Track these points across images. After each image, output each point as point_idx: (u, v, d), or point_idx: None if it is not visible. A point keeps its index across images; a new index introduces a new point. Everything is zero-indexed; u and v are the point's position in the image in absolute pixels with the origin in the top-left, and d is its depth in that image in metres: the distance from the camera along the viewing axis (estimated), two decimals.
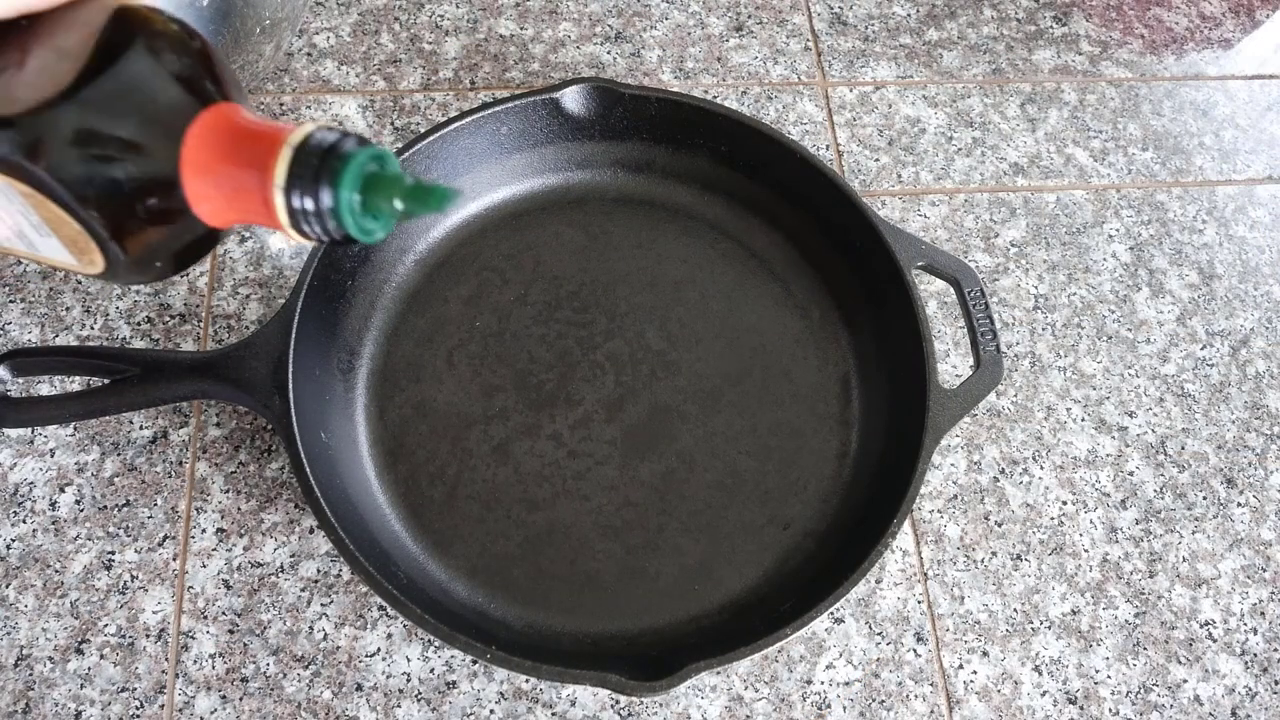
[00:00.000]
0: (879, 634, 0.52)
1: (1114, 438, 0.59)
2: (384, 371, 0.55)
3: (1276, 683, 0.53)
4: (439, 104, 0.65)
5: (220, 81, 0.28)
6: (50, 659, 0.48)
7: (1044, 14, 0.75)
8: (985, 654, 0.52)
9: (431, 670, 0.49)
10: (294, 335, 0.48)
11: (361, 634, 0.50)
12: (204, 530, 0.52)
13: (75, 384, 0.54)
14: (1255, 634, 0.54)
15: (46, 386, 0.55)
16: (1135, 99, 0.72)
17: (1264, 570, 0.56)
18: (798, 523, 0.53)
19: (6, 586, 0.50)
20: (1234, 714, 0.52)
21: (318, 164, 0.26)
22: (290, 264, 0.59)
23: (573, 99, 0.57)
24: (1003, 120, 0.70)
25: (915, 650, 0.52)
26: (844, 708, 0.50)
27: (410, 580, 0.49)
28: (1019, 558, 0.55)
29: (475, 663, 0.50)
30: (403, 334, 0.56)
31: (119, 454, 0.53)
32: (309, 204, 0.26)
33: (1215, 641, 0.54)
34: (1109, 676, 0.52)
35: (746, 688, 0.50)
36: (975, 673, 0.52)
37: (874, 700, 0.51)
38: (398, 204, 0.27)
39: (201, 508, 0.52)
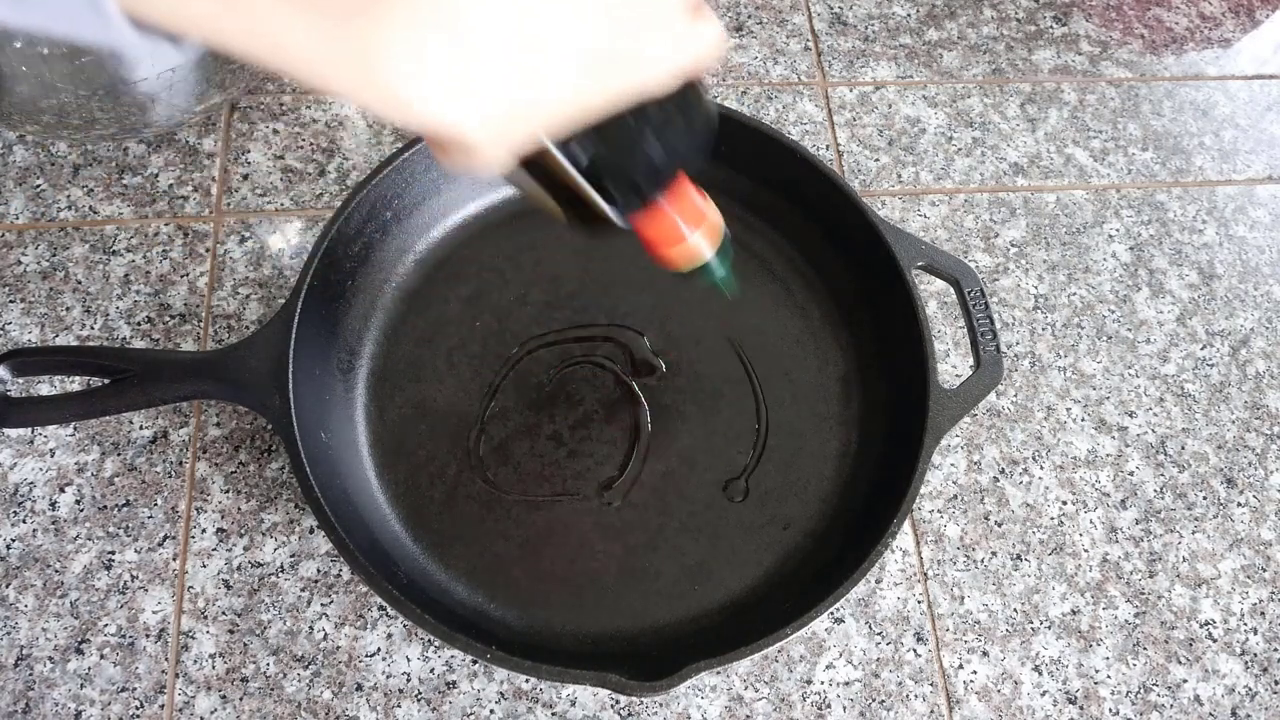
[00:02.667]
0: (879, 634, 0.52)
1: (1114, 438, 0.59)
2: (384, 371, 0.55)
3: (1276, 683, 0.53)
4: None
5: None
6: (50, 659, 0.48)
7: (1044, 14, 0.75)
8: (985, 654, 0.52)
9: (431, 670, 0.49)
10: (294, 335, 0.48)
11: (361, 634, 0.50)
12: (204, 530, 0.52)
13: (75, 384, 0.54)
14: (1255, 634, 0.54)
15: (46, 386, 0.55)
16: (1135, 99, 0.72)
17: (1264, 570, 0.56)
18: (798, 523, 0.53)
19: (6, 586, 0.50)
20: (1234, 714, 0.52)
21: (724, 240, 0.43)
22: (290, 264, 0.59)
23: None
24: (1003, 120, 0.70)
25: (915, 650, 0.52)
26: (844, 708, 0.50)
27: (410, 580, 0.49)
28: (1019, 558, 0.55)
29: (475, 663, 0.50)
30: (403, 334, 0.56)
31: (119, 454, 0.53)
32: (710, 258, 0.42)
33: (1215, 641, 0.54)
34: (1109, 676, 0.52)
35: (746, 688, 0.50)
36: (975, 673, 0.52)
37: (874, 700, 0.51)
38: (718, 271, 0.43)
39: (201, 508, 0.52)
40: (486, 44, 0.22)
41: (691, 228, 0.41)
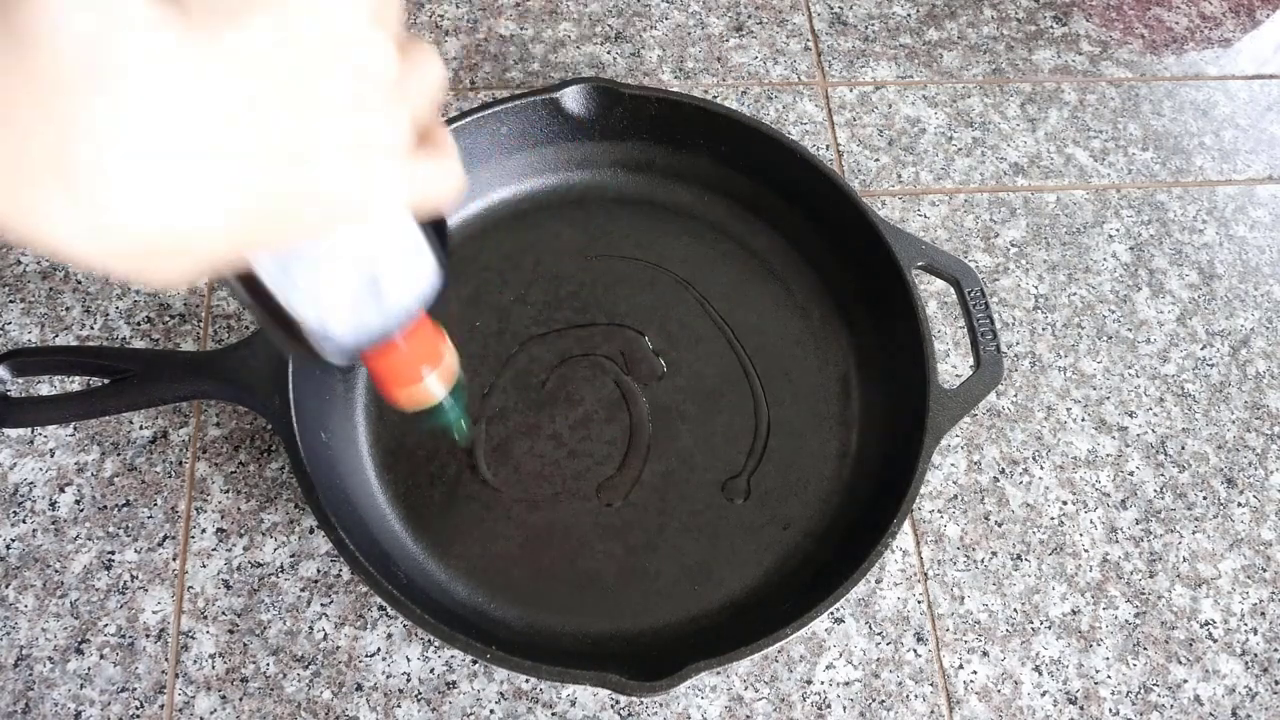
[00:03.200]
0: (879, 634, 0.52)
1: (1114, 438, 0.59)
2: None
3: (1276, 683, 0.53)
4: (439, 104, 0.65)
5: None
6: (50, 659, 0.48)
7: (1044, 14, 0.75)
8: (985, 654, 0.52)
9: (431, 670, 0.49)
10: None
11: (361, 634, 0.50)
12: (204, 530, 0.52)
13: (75, 384, 0.54)
14: (1255, 634, 0.54)
15: (46, 386, 0.55)
16: (1135, 99, 0.72)
17: (1264, 570, 0.56)
18: (798, 523, 0.53)
19: (6, 586, 0.50)
20: (1234, 714, 0.52)
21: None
22: None
23: (573, 99, 0.57)
24: (1003, 120, 0.70)
25: (915, 650, 0.52)
26: (844, 708, 0.50)
27: (410, 580, 0.49)
28: (1019, 558, 0.55)
29: (475, 663, 0.50)
30: None
31: (119, 454, 0.53)
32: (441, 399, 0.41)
33: (1215, 641, 0.54)
34: (1109, 676, 0.52)
35: (746, 688, 0.50)
36: (975, 673, 0.52)
37: (874, 700, 0.51)
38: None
39: (201, 508, 0.52)
40: (124, 168, 0.19)
41: (429, 367, 0.39)
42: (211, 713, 0.48)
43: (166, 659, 0.49)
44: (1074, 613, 0.54)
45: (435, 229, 0.32)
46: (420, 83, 0.26)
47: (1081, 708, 0.51)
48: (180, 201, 0.20)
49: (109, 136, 0.19)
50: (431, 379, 0.40)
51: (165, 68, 0.19)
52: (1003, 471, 0.57)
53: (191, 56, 0.19)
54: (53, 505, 0.52)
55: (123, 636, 0.49)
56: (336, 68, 0.23)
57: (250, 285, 0.29)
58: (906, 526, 0.55)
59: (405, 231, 0.32)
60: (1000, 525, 0.56)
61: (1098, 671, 0.52)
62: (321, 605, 0.50)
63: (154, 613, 0.50)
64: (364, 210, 0.26)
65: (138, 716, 0.47)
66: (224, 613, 0.50)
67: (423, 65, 0.26)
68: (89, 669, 0.48)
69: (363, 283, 0.31)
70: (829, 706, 0.50)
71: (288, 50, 0.21)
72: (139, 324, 0.57)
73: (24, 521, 0.51)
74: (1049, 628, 0.53)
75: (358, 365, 0.54)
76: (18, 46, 0.17)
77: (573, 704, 0.49)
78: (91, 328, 0.56)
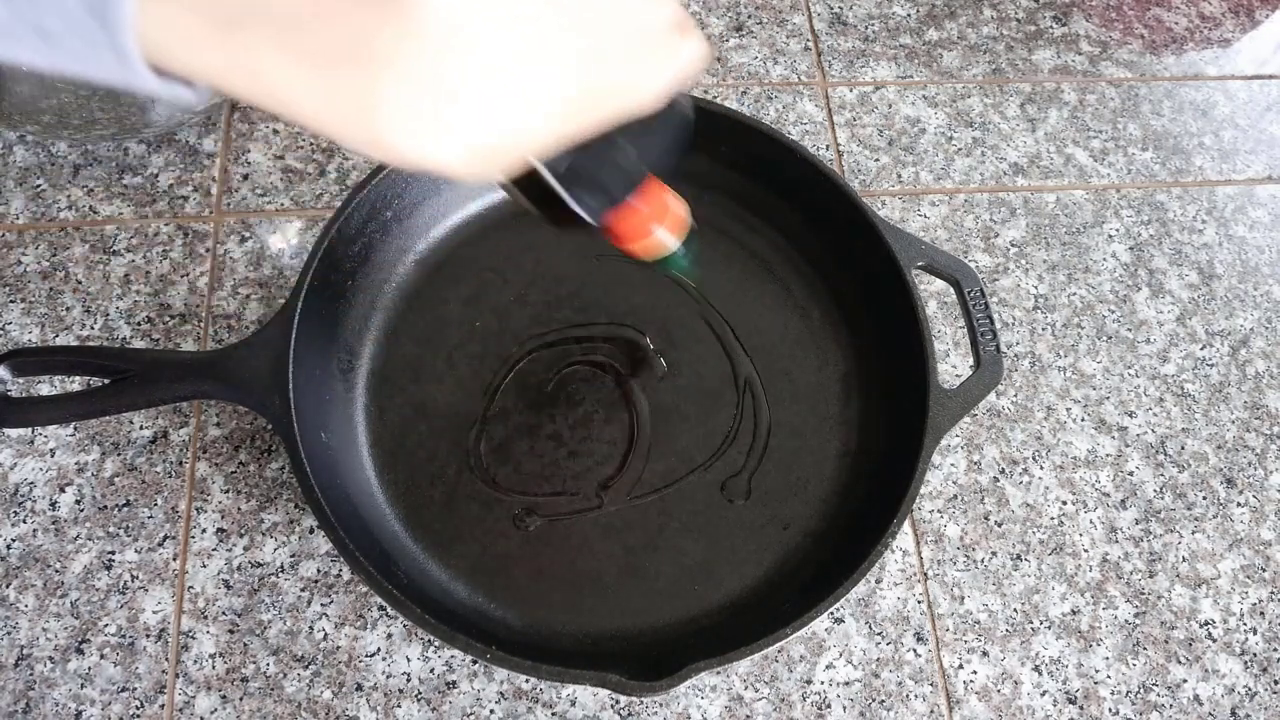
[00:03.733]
0: (879, 634, 0.52)
1: (1114, 438, 0.59)
2: (384, 371, 0.55)
3: (1276, 683, 0.53)
4: None
5: None
6: (50, 659, 0.48)
7: (1044, 14, 0.75)
8: (985, 654, 0.52)
9: (431, 670, 0.49)
10: (294, 335, 0.48)
11: (361, 634, 0.50)
12: (204, 530, 0.52)
13: (75, 384, 0.54)
14: (1255, 634, 0.54)
15: (46, 386, 0.55)
16: (1135, 99, 0.72)
17: (1264, 570, 0.56)
18: (798, 523, 0.53)
19: (6, 586, 0.50)
20: (1234, 714, 0.52)
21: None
22: (290, 264, 0.59)
23: None
24: (1003, 120, 0.70)
25: (915, 650, 0.52)
26: (844, 708, 0.50)
27: (410, 580, 0.49)
28: (1019, 558, 0.55)
29: (475, 663, 0.50)
30: (403, 334, 0.56)
31: (119, 454, 0.53)
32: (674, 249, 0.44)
33: (1215, 641, 0.54)
34: (1109, 676, 0.52)
35: (746, 688, 0.50)
36: (975, 673, 0.52)
37: (874, 700, 0.51)
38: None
39: (201, 508, 0.52)
40: (470, 92, 0.23)
41: (658, 223, 0.42)
42: (212, 713, 0.48)
43: (167, 659, 0.49)
44: (1074, 613, 0.54)
45: (676, 101, 0.35)
46: None
47: (1081, 707, 0.51)
48: (511, 115, 0.25)
49: (469, 76, 0.23)
50: (663, 232, 0.43)
51: (505, 13, 0.23)
52: (1003, 471, 0.57)
53: (521, 4, 0.24)
54: (53, 505, 0.52)
55: (123, 636, 0.49)
56: None
57: (521, 175, 0.34)
58: (906, 526, 0.55)
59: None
60: (1000, 525, 0.56)
61: (1097, 671, 0.52)
62: (321, 605, 0.50)
63: (154, 613, 0.50)
64: (650, 92, 0.29)
65: (138, 716, 0.47)
66: (224, 613, 0.50)
67: None
68: (89, 669, 0.48)
69: (614, 156, 0.35)
70: (829, 706, 0.50)
71: None
72: (139, 324, 0.57)
73: (24, 521, 0.51)
74: (1049, 628, 0.53)
75: (357, 362, 0.54)
76: (398, 11, 0.22)
77: (573, 704, 0.49)
78: (91, 328, 0.56)
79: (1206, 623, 0.54)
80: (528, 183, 0.35)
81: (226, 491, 0.53)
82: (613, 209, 0.38)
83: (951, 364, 0.60)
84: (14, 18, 0.20)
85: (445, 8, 0.22)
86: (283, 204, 0.61)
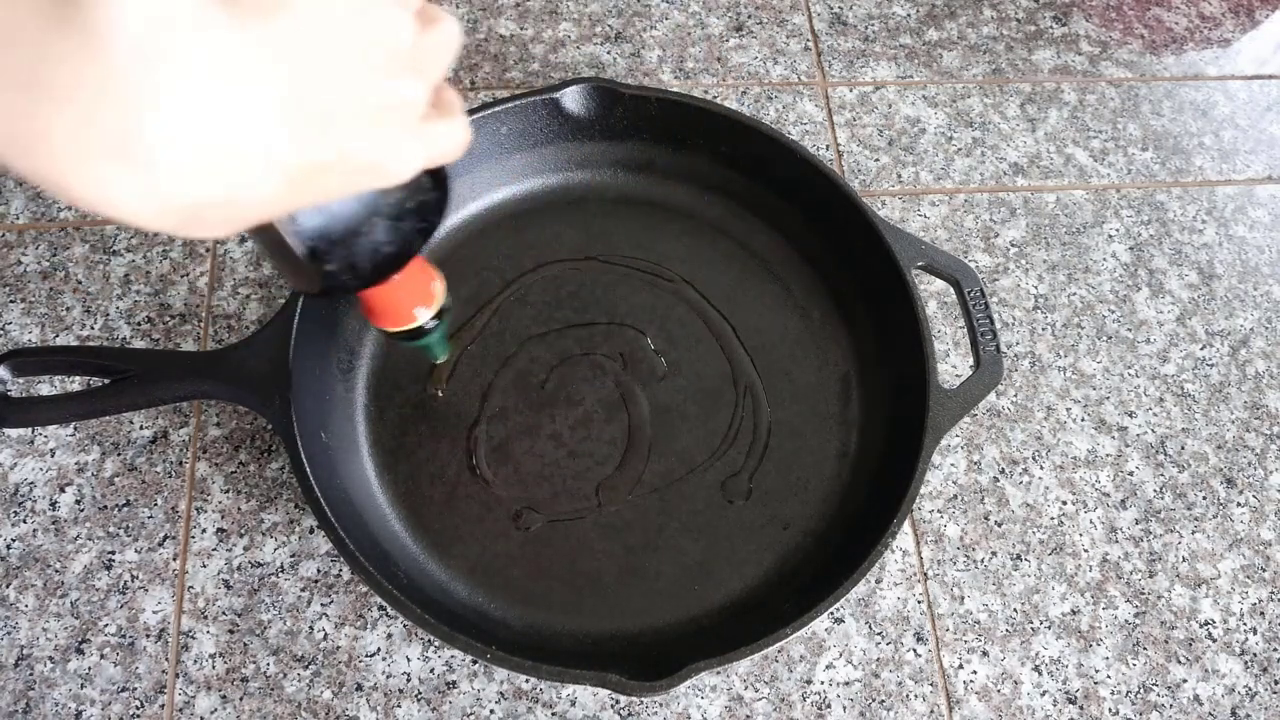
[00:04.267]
0: (879, 634, 0.52)
1: (1114, 438, 0.59)
2: (384, 371, 0.55)
3: (1276, 683, 0.53)
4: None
5: None
6: (50, 659, 0.48)
7: (1044, 14, 0.75)
8: (985, 654, 0.52)
9: (431, 670, 0.49)
10: (294, 335, 0.48)
11: (361, 634, 0.50)
12: (204, 530, 0.52)
13: (75, 384, 0.54)
14: (1255, 634, 0.54)
15: (46, 386, 0.55)
16: (1135, 99, 0.72)
17: (1264, 570, 0.56)
18: (798, 523, 0.53)
19: (6, 586, 0.50)
20: (1234, 714, 0.52)
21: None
22: None
23: (573, 99, 0.57)
24: (1003, 120, 0.70)
25: (915, 650, 0.52)
26: (844, 708, 0.50)
27: (410, 580, 0.49)
28: (1019, 558, 0.55)
29: (475, 663, 0.50)
30: None
31: (119, 454, 0.53)
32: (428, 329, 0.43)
33: (1215, 641, 0.54)
34: (1109, 676, 0.52)
35: (746, 688, 0.50)
36: (975, 673, 0.52)
37: (874, 700, 0.51)
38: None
39: (201, 508, 0.52)
40: (157, 141, 0.21)
41: (416, 304, 0.41)
42: (212, 713, 0.48)
43: (167, 659, 0.49)
44: (1074, 613, 0.54)
45: (434, 175, 0.34)
46: (436, 50, 0.28)
47: (1081, 707, 0.51)
48: (226, 169, 0.23)
49: (161, 116, 0.21)
50: (420, 311, 0.42)
51: (211, 55, 0.21)
52: (1003, 471, 0.57)
53: (235, 43, 0.22)
54: (53, 505, 0.52)
55: (123, 636, 0.49)
56: (364, 44, 0.25)
57: (267, 234, 0.31)
58: (906, 526, 0.55)
59: (411, 181, 0.33)
60: (1000, 525, 0.56)
61: (1097, 671, 0.52)
62: (321, 605, 0.50)
63: (154, 613, 0.50)
64: (388, 171, 0.28)
65: (138, 716, 0.47)
66: (224, 613, 0.50)
67: (439, 33, 0.28)
68: (89, 669, 0.48)
69: (370, 228, 0.33)
70: (829, 706, 0.50)
71: (321, 31, 0.24)
72: (139, 324, 0.57)
73: (24, 521, 0.51)
74: (1049, 628, 0.53)
75: (357, 362, 0.54)
76: (82, 36, 0.19)
77: (573, 704, 0.49)
78: (91, 328, 0.56)
79: (1207, 623, 0.54)
80: (269, 239, 0.32)
81: (226, 491, 0.53)
82: (366, 285, 0.36)
83: (951, 364, 0.60)
84: None
85: (136, 41, 0.20)
86: None
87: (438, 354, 0.48)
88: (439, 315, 0.43)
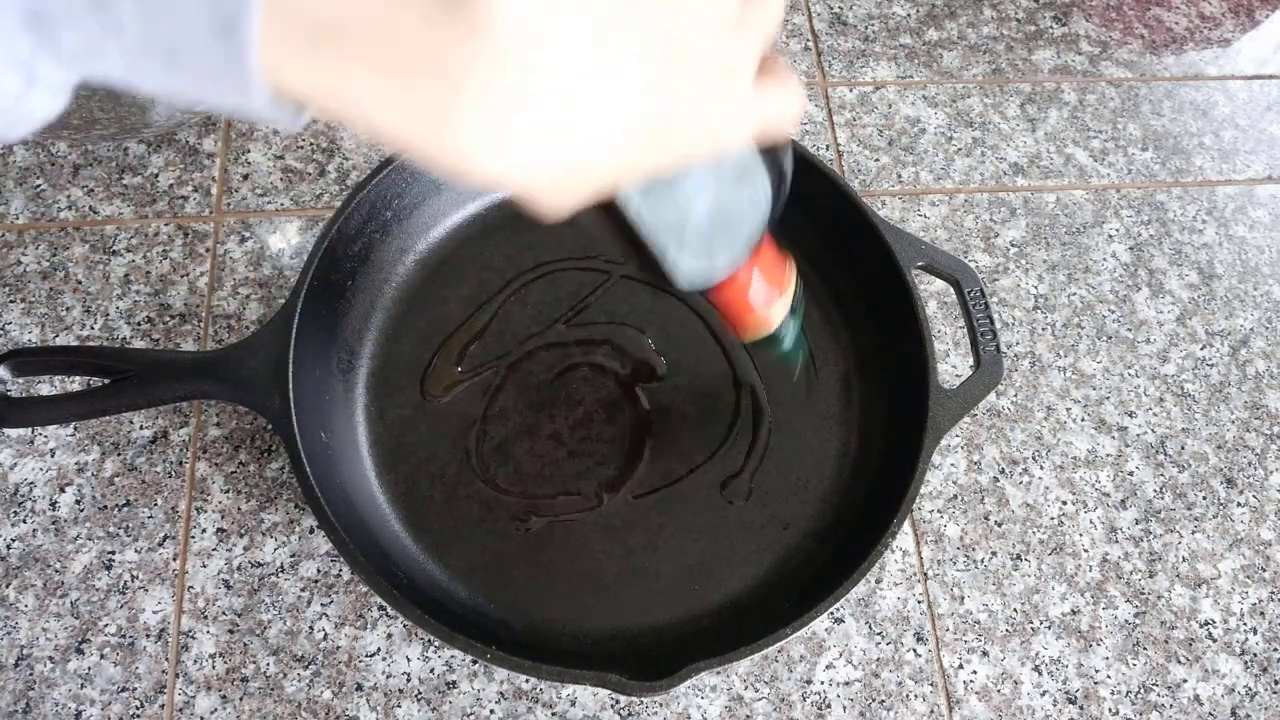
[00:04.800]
0: (879, 634, 0.52)
1: (1114, 438, 0.59)
2: (384, 371, 0.55)
3: (1276, 683, 0.53)
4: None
5: None
6: (50, 659, 0.48)
7: (1044, 14, 0.75)
8: (985, 654, 0.52)
9: (431, 670, 0.49)
10: (294, 335, 0.48)
11: (361, 634, 0.50)
12: (204, 530, 0.52)
13: (75, 384, 0.54)
14: (1255, 634, 0.54)
15: (46, 386, 0.55)
16: (1135, 99, 0.72)
17: (1264, 570, 0.56)
18: (798, 523, 0.53)
19: (6, 586, 0.50)
20: (1234, 714, 0.52)
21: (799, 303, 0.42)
22: (290, 264, 0.59)
23: None
24: (1003, 120, 0.70)
25: (915, 650, 0.52)
26: (844, 708, 0.50)
27: (410, 580, 0.49)
28: (1019, 558, 0.55)
29: (475, 663, 0.50)
30: (403, 334, 0.56)
31: (119, 454, 0.53)
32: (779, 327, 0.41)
33: (1215, 641, 0.54)
34: (1109, 676, 0.52)
35: (746, 688, 0.50)
36: (975, 673, 0.52)
37: (874, 700, 0.51)
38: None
39: (201, 508, 0.52)
40: (545, 115, 0.24)
41: (773, 296, 0.39)
42: (212, 712, 0.48)
43: (167, 659, 0.49)
44: (1074, 613, 0.54)
45: (773, 155, 0.34)
46: (763, 11, 0.29)
47: (1081, 707, 0.51)
48: (581, 139, 0.25)
49: (546, 91, 0.23)
50: (778, 306, 0.39)
51: (580, 32, 0.23)
52: (1003, 471, 0.57)
53: (596, 14, 0.23)
54: (53, 505, 0.52)
55: (123, 636, 0.49)
56: (702, 12, 0.26)
57: (614, 216, 0.32)
58: (906, 526, 0.55)
59: (748, 159, 0.33)
60: (1000, 525, 0.56)
61: (1097, 671, 0.52)
62: (321, 605, 0.50)
63: (154, 613, 0.50)
64: (727, 136, 0.29)
65: (138, 716, 0.47)
66: (224, 613, 0.50)
67: (763, 2, 0.29)
68: (89, 669, 0.48)
69: (712, 211, 0.33)
70: (829, 706, 0.50)
71: (666, 7, 0.25)
72: (139, 324, 0.57)
73: (24, 521, 0.51)
74: (1049, 628, 0.53)
75: (357, 362, 0.54)
76: (470, 25, 0.22)
77: (573, 704, 0.49)
78: (91, 328, 0.56)
79: (1207, 623, 0.54)
80: (621, 223, 0.33)
81: (226, 491, 0.53)
82: (719, 273, 0.35)
83: (951, 364, 0.60)
84: (146, 41, 0.21)
85: (519, 24, 0.22)
86: (283, 204, 0.61)
87: (796, 356, 0.45)
88: (794, 308, 0.41)
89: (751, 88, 0.29)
